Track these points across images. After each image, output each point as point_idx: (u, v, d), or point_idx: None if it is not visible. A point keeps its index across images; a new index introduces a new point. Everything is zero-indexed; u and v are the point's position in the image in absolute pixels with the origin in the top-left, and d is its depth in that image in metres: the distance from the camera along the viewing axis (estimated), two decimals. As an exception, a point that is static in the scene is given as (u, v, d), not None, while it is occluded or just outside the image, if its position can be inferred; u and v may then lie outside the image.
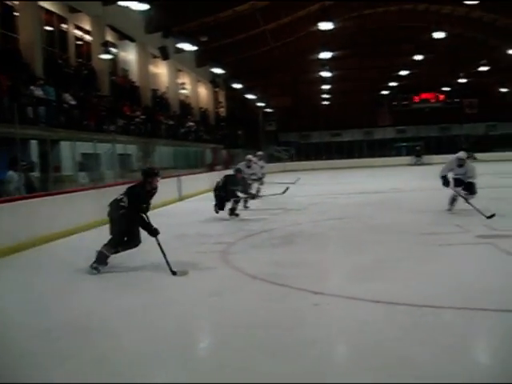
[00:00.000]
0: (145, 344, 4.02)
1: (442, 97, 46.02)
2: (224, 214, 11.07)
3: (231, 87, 34.84)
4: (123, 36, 22.99)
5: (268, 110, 43.27)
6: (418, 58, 33.40)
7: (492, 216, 8.74)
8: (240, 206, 11.73)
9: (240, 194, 11.37)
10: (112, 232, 6.49)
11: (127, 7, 16.23)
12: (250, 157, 14.33)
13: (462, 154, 10.21)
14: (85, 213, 10.34)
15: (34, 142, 13.55)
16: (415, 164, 37.97)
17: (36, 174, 12.72)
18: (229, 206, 11.10)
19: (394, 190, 16.96)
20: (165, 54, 24.24)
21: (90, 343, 4.08)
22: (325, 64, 33.89)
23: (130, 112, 20.52)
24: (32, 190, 10.21)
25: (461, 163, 10.04)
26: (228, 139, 33.59)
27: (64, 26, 19.51)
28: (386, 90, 44.08)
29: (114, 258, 6.54)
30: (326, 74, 35.36)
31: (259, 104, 40.90)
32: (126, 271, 6.50)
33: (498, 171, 20.99)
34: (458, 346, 3.73)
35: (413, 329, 4.07)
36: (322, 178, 26.12)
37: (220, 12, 26.55)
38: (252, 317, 4.55)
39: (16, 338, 4.32)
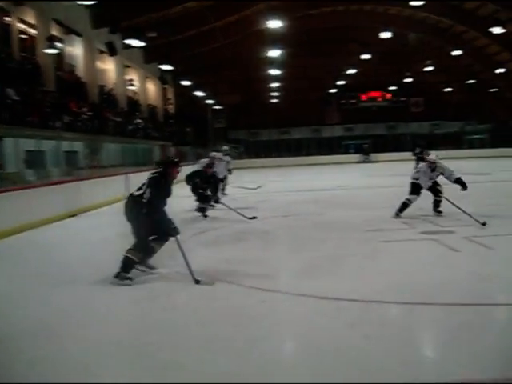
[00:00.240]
0: (94, 348, 3.99)
1: (388, 96, 47.12)
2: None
3: (180, 84, 34.67)
4: (69, 30, 22.49)
5: (217, 107, 43.16)
6: (365, 57, 33.97)
7: (484, 224, 8.02)
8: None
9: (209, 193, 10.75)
10: (136, 234, 5.75)
11: (73, 1, 15.92)
12: (214, 154, 11.98)
13: (433, 157, 9.37)
14: (32, 211, 10.10)
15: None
16: (363, 162, 38.83)
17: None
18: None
19: (341, 187, 17.19)
20: (112, 50, 23.90)
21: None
22: (273, 62, 34.13)
23: (77, 108, 20.13)
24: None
25: (434, 167, 9.15)
26: (177, 136, 33.41)
27: (7, 18, 18.89)
28: (334, 88, 44.65)
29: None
30: (274, 72, 35.59)
31: (208, 101, 40.78)
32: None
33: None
34: (403, 340, 3.80)
35: (359, 324, 4.14)
36: (271, 176, 26.23)
37: (169, 8, 26.30)
38: (198, 315, 4.55)
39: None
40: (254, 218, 10.09)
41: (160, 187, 5.77)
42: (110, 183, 14.57)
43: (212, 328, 4.22)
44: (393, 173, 22.41)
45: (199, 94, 37.41)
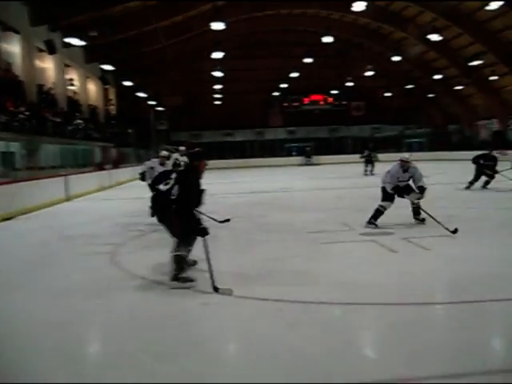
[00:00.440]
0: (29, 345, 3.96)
1: (330, 99, 48.05)
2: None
3: (122, 84, 34.15)
4: (6, 27, 21.79)
5: (159, 108, 42.78)
6: (308, 60, 34.46)
7: (455, 231, 7.62)
8: None
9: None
10: (173, 234, 5.53)
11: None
12: (164, 153, 10.83)
13: (407, 155, 8.84)
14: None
15: None
16: (305, 164, 39.39)
17: None
18: None
19: (284, 189, 17.40)
20: (51, 48, 23.33)
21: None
22: (217, 64, 34.16)
23: (13, 107, 19.53)
24: None
25: (406, 167, 8.65)
26: (118, 138, 32.91)
27: None
28: (277, 91, 45.11)
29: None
30: (217, 73, 35.62)
31: (151, 102, 40.34)
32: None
33: (380, 172, 22.09)
34: (341, 341, 3.87)
35: (298, 324, 4.21)
36: (213, 178, 26.10)
37: (110, 7, 25.89)
38: (136, 319, 4.53)
39: None
40: (227, 220, 8.53)
41: (189, 183, 5.41)
42: (48, 185, 14.25)
43: (153, 331, 4.20)
44: (334, 175, 22.81)
45: (141, 95, 36.92)
